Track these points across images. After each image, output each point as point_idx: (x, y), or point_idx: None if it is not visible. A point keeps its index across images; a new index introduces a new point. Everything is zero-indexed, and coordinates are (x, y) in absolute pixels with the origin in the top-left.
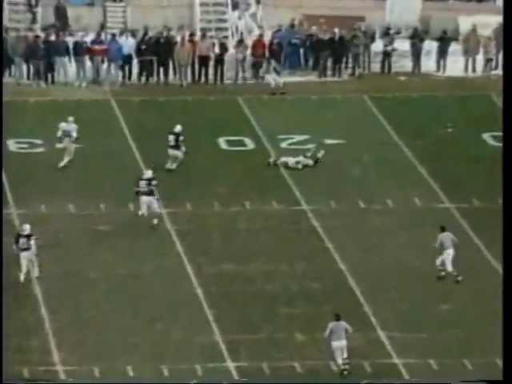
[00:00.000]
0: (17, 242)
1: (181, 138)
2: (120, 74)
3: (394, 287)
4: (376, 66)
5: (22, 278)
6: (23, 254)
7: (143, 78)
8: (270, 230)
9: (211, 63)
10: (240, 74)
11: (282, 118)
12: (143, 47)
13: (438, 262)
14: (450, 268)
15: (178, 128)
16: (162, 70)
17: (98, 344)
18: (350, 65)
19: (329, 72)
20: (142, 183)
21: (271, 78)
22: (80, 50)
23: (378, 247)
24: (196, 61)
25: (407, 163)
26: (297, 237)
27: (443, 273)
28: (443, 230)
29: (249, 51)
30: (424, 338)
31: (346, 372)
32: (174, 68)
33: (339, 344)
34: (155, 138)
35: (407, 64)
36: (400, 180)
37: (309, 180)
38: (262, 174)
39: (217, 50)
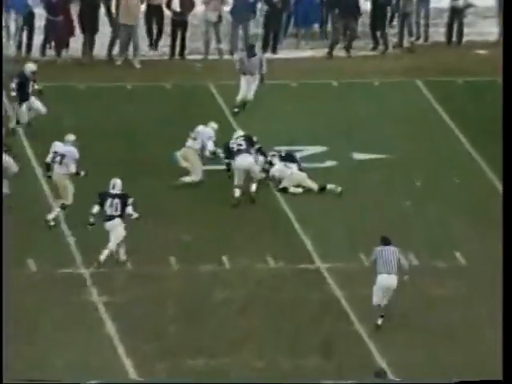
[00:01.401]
0: (101, 204)
1: (256, 146)
2: (12, 43)
3: None
4: (438, 33)
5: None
6: (109, 224)
7: (51, 52)
8: (261, 300)
9: (167, 28)
10: (213, 46)
11: (284, 118)
12: (54, 0)
13: (375, 298)
14: (384, 301)
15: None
16: (87, 37)
17: None
18: (395, 30)
19: (361, 42)
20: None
21: (249, 80)
22: None
23: (443, 335)
24: (143, 22)
25: (487, 187)
26: (306, 313)
27: (380, 320)
28: (386, 242)
29: (227, 8)
30: None
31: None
32: (113, 38)
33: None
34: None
35: (489, 29)
36: (478, 218)
37: (326, 220)
38: (249, 210)
39: (176, 6)
